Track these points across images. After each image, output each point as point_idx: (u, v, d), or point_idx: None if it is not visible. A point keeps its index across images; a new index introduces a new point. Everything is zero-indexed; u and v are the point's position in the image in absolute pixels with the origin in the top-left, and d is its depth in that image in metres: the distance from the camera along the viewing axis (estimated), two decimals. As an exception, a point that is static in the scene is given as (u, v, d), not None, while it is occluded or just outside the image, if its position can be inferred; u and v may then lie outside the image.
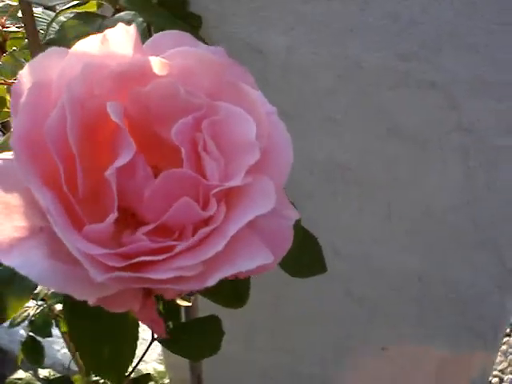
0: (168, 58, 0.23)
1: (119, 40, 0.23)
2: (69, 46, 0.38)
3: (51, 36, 0.38)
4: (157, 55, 0.23)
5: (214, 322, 0.43)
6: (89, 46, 0.22)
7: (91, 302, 0.21)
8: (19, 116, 0.20)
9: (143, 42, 0.25)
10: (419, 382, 0.71)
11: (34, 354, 0.62)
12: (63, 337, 0.70)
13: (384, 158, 0.52)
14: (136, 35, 0.23)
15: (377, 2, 0.45)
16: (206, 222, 0.21)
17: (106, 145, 0.23)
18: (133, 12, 0.39)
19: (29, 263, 0.20)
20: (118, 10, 0.42)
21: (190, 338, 0.40)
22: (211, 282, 0.19)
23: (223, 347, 0.40)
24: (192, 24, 0.48)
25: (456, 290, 0.58)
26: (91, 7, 0.46)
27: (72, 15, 0.40)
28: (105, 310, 0.23)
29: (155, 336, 0.42)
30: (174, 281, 0.19)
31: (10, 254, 0.21)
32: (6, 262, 0.21)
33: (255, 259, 0.21)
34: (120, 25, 0.23)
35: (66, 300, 0.30)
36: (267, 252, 0.21)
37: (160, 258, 0.19)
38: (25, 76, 0.22)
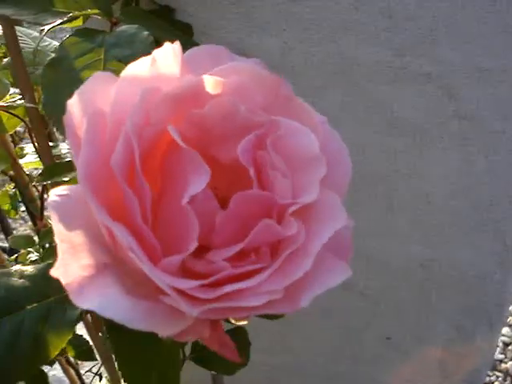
0: (220, 76, 0.22)
1: (167, 60, 0.22)
2: (73, 65, 0.37)
3: (52, 56, 0.36)
4: (198, 72, 0.23)
5: (241, 333, 0.43)
6: (139, 69, 0.22)
7: (170, 334, 0.21)
8: (83, 152, 0.19)
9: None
10: (423, 369, 0.72)
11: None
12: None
13: (384, 151, 0.52)
14: (181, 53, 0.23)
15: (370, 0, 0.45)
16: (281, 241, 0.21)
17: (156, 173, 0.22)
18: (135, 25, 0.38)
19: (109, 303, 0.19)
20: (114, 24, 0.41)
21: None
22: (305, 302, 0.19)
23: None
24: (186, 32, 0.47)
25: (459, 271, 0.59)
26: (77, 22, 0.44)
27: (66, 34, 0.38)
28: (152, 336, 0.22)
29: (186, 355, 0.41)
30: (267, 306, 0.19)
31: (83, 295, 0.20)
32: (83, 305, 0.20)
33: (338, 274, 0.20)
34: (167, 44, 0.22)
35: (112, 327, 0.29)
36: (345, 265, 0.21)
37: (251, 283, 0.19)
38: (75, 106, 0.21)
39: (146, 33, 0.37)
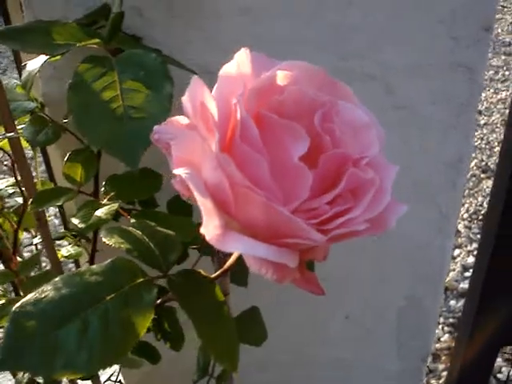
0: (284, 72, 0.29)
1: (244, 62, 0.28)
2: (92, 88, 0.41)
3: (69, 81, 0.40)
4: (259, 71, 0.29)
5: (256, 312, 0.48)
6: (229, 70, 0.27)
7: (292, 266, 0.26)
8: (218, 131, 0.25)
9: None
10: (381, 341, 0.81)
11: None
12: None
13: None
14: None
15: (320, 15, 0.53)
16: (361, 186, 0.27)
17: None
18: (139, 50, 0.43)
19: (249, 246, 0.24)
20: (113, 51, 0.46)
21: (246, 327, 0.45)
22: (391, 223, 0.26)
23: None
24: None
25: (407, 242, 0.69)
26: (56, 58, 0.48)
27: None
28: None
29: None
30: (366, 230, 0.25)
31: (226, 245, 0.25)
32: (231, 250, 0.25)
33: (401, 206, 0.27)
34: (242, 50, 0.28)
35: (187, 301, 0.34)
36: (400, 201, 0.28)
37: (354, 215, 0.25)
38: (185, 101, 0.26)
39: (153, 55, 0.42)
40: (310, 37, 0.54)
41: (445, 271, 0.73)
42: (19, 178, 0.56)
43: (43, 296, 0.33)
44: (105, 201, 0.54)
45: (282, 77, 0.28)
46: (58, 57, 0.48)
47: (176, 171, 0.26)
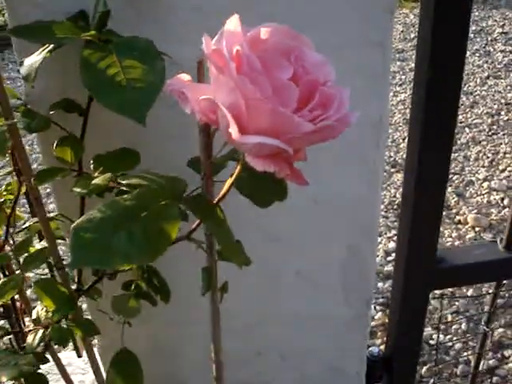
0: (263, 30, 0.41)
1: (237, 24, 0.40)
2: (96, 68, 0.51)
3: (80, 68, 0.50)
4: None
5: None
6: (229, 27, 0.39)
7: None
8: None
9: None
10: (330, 288, 0.94)
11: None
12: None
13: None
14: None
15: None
16: (328, 101, 0.40)
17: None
18: (129, 36, 0.53)
19: (265, 138, 0.36)
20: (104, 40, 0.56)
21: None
22: (353, 120, 0.38)
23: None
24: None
25: (342, 198, 0.83)
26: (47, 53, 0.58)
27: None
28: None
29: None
30: (338, 127, 0.38)
31: (249, 138, 0.36)
32: (252, 141, 0.36)
33: (355, 113, 0.40)
34: (235, 15, 0.40)
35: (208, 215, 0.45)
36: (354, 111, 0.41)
37: (330, 114, 0.37)
38: (206, 47, 0.38)
39: (143, 38, 0.53)
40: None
41: (377, 221, 0.88)
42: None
43: (93, 217, 0.42)
44: (96, 174, 0.63)
45: (264, 32, 0.41)
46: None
47: (202, 97, 0.37)
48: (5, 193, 0.79)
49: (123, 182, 0.50)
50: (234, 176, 0.46)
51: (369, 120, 0.75)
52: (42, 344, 0.64)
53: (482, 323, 1.16)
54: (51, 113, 0.65)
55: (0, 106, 0.59)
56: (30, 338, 0.65)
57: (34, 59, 0.56)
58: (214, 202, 0.48)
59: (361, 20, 0.68)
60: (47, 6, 0.62)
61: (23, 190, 0.68)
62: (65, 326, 0.65)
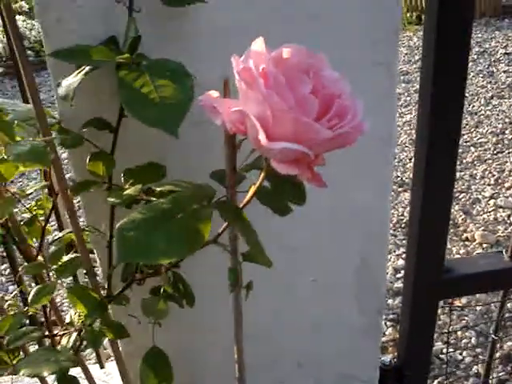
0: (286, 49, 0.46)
1: (262, 45, 0.45)
2: (132, 87, 0.56)
3: (117, 87, 0.56)
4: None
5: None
6: (256, 49, 0.45)
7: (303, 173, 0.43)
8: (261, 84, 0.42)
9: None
10: (344, 296, 0.98)
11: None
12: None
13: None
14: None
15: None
16: (343, 112, 0.45)
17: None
18: (160, 58, 0.59)
19: (289, 144, 0.41)
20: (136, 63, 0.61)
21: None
22: (366, 128, 0.43)
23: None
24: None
25: (354, 209, 0.88)
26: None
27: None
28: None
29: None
30: (353, 134, 0.43)
31: (275, 144, 0.41)
32: (277, 147, 0.41)
33: (367, 123, 0.45)
34: (260, 38, 0.46)
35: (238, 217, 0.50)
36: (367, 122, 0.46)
37: (345, 123, 0.43)
38: (235, 66, 0.43)
39: (173, 61, 0.58)
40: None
41: (387, 230, 0.92)
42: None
43: (134, 219, 0.47)
44: (126, 186, 0.69)
45: (285, 52, 0.46)
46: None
47: (234, 109, 0.43)
48: (35, 207, 0.85)
49: (158, 188, 0.55)
50: (258, 183, 0.51)
51: (379, 135, 0.80)
52: (76, 346, 0.69)
53: (491, 331, 1.20)
54: (83, 130, 0.71)
55: (39, 124, 0.64)
56: (64, 341, 0.70)
57: (71, 80, 0.62)
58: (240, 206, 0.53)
59: (369, 42, 0.74)
60: (80, 31, 0.68)
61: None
62: (97, 328, 0.69)
